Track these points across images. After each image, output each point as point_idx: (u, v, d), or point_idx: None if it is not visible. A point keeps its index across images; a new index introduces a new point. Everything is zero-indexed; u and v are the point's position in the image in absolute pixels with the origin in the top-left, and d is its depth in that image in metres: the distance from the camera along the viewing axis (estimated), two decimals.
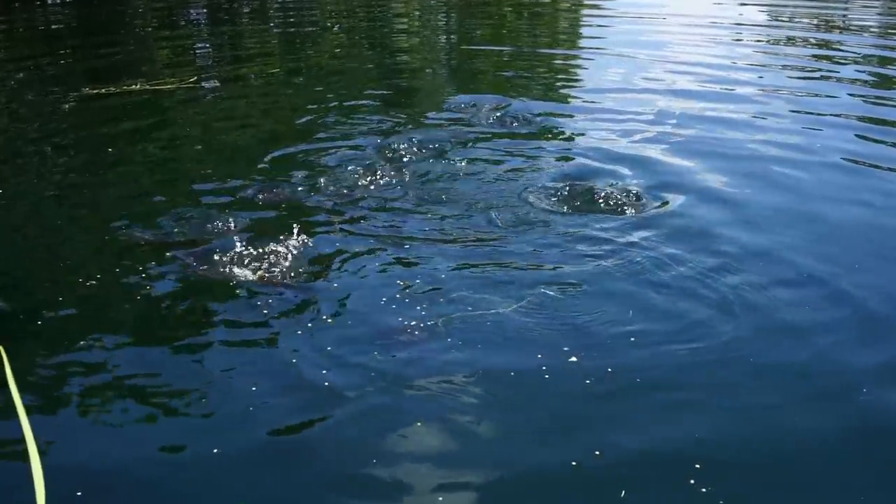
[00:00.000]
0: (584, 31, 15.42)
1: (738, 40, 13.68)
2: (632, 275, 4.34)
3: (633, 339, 3.71)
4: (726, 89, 9.27)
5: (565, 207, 5.22)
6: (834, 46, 12.72)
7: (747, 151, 6.73)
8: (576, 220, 5.04)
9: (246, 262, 4.32)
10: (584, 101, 8.71)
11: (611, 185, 5.60)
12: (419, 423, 3.13)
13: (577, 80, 10.33)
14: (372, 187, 5.58)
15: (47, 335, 3.83)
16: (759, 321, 3.91)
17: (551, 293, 4.08)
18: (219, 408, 3.25)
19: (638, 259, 4.51)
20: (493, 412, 3.22)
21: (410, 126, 7.33)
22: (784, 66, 10.84)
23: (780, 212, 5.34)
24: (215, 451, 2.98)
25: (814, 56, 11.75)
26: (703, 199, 5.50)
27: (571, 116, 8.01)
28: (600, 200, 5.28)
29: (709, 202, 5.46)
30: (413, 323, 3.80)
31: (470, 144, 6.69)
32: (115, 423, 3.18)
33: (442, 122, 7.51)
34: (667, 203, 5.38)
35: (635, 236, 4.82)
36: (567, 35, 15.32)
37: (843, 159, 6.50)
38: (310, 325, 3.81)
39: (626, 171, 6.08)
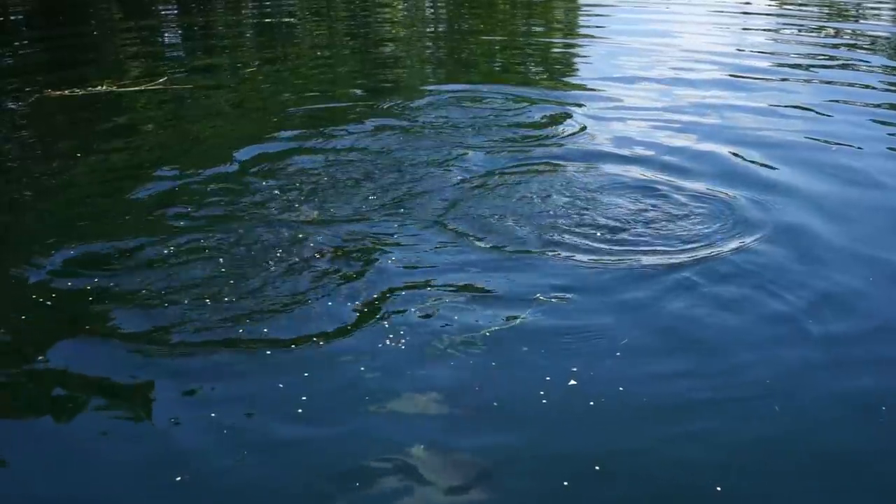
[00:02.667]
0: (582, 18, 15.41)
1: (746, 27, 13.69)
2: (649, 286, 4.11)
3: (643, 359, 3.55)
4: (740, 77, 9.14)
5: (572, 211, 4.96)
6: (847, 33, 12.74)
7: (775, 140, 6.55)
8: (585, 224, 4.79)
9: (207, 284, 4.10)
10: (586, 93, 8.51)
11: (625, 186, 5.39)
12: (419, 445, 3.03)
13: (576, 71, 10.17)
14: (353, 196, 5.26)
15: None
16: (788, 344, 3.69)
17: (557, 309, 3.90)
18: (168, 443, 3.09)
19: (656, 268, 4.28)
20: (492, 433, 3.12)
21: (395, 125, 7.02)
22: (797, 53, 10.79)
23: (832, 215, 5.09)
24: (179, 478, 2.88)
25: (829, 43, 11.74)
26: (736, 198, 5.23)
27: (574, 108, 7.75)
28: (612, 204, 5.06)
29: (741, 201, 5.19)
30: (407, 338, 3.66)
31: (460, 145, 6.34)
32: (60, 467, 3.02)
33: (429, 118, 7.23)
34: (686, 204, 5.12)
35: (652, 243, 4.57)
36: (564, 22, 15.31)
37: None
38: (293, 344, 3.63)
39: (640, 168, 5.83)
